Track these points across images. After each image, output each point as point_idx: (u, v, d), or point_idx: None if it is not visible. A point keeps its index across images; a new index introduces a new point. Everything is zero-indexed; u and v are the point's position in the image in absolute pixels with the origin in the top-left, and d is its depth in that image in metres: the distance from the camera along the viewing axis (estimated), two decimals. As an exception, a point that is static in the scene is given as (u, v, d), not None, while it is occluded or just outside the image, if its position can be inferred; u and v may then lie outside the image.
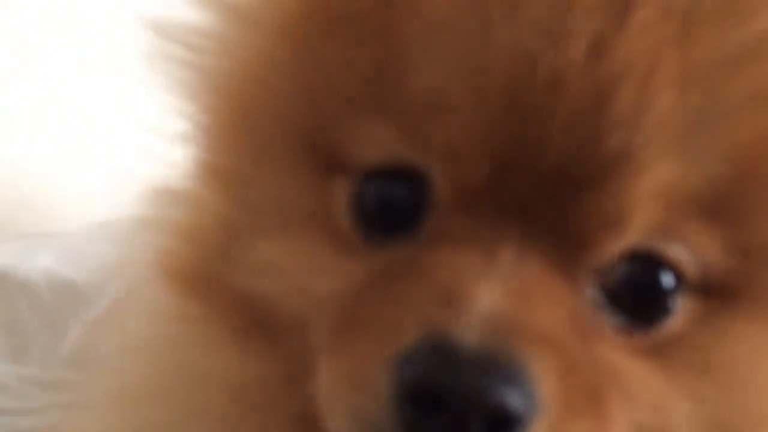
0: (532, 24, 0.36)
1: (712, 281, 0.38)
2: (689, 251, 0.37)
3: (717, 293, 0.38)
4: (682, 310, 0.38)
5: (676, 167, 0.36)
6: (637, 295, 0.38)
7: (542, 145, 0.35)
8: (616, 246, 0.37)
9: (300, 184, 0.41)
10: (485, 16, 0.37)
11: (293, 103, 0.42)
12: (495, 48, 0.36)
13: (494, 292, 0.35)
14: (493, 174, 0.36)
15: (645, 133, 0.35)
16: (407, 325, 0.34)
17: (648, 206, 0.36)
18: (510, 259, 0.36)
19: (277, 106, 0.42)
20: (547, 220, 0.36)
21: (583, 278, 0.37)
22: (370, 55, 0.39)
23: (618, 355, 0.37)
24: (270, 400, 0.42)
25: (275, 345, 0.41)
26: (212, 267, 0.43)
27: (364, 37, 0.39)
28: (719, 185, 0.36)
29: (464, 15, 0.37)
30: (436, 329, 0.34)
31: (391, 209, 0.39)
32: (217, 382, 0.43)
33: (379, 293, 0.37)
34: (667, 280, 0.38)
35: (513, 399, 0.33)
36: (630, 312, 0.38)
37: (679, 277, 0.38)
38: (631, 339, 0.38)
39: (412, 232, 0.39)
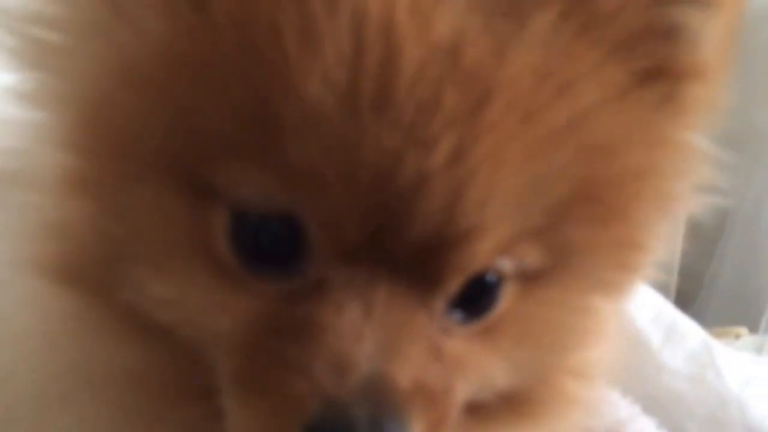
0: (399, 125, 0.40)
1: (528, 272, 0.47)
2: (513, 260, 0.46)
3: (532, 278, 0.47)
4: (505, 297, 0.47)
5: (512, 226, 0.44)
6: (472, 298, 0.46)
7: (407, 226, 0.41)
8: (463, 278, 0.45)
9: (172, 208, 0.43)
10: (356, 112, 0.40)
11: (156, 132, 0.43)
12: (365, 143, 0.40)
13: (373, 351, 0.41)
14: (366, 238, 0.42)
15: (490, 213, 0.42)
16: (306, 396, 0.41)
17: (488, 253, 0.44)
18: (382, 305, 0.42)
19: (138, 131, 0.43)
20: (411, 270, 0.43)
21: (437, 301, 0.45)
22: (247, 107, 0.41)
23: (461, 344, 0.46)
24: (171, 389, 0.47)
25: (178, 351, 0.46)
26: (96, 274, 0.46)
27: (242, 91, 0.41)
28: (541, 223, 0.45)
29: (337, 106, 0.40)
30: (331, 401, 0.40)
31: (270, 248, 0.43)
32: (119, 373, 0.47)
33: (273, 351, 0.42)
34: (492, 282, 0.46)
35: None
36: (468, 310, 0.46)
37: (501, 277, 0.46)
38: (471, 328, 0.46)
39: (292, 270, 0.43)
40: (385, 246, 0.42)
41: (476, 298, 0.46)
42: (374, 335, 0.42)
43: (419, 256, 0.43)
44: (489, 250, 0.43)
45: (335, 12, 0.40)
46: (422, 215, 0.41)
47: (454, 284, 0.45)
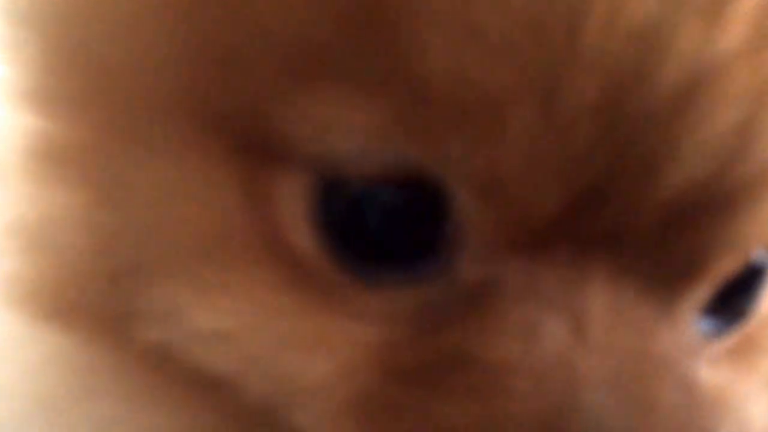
0: None
1: None
2: None
3: None
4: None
5: None
6: (730, 293, 0.28)
7: (659, 168, 0.23)
8: (735, 264, 0.26)
9: (212, 185, 0.26)
10: None
11: (178, 57, 0.26)
12: (589, 15, 0.22)
13: (600, 398, 0.24)
14: (568, 208, 0.24)
15: None
16: None
17: None
18: (603, 321, 0.24)
19: (146, 61, 0.26)
20: (649, 259, 0.25)
21: (684, 310, 0.26)
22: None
23: (718, 371, 0.28)
24: None
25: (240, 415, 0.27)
26: (99, 302, 0.28)
27: None
28: None
29: None
30: None
31: (389, 236, 0.25)
32: None
33: (412, 411, 0.25)
34: (759, 265, 0.28)
35: None
36: (724, 314, 0.28)
37: None
38: (725, 343, 0.29)
39: (431, 270, 0.25)
40: (606, 220, 0.24)
41: (733, 295, 0.28)
42: (597, 373, 0.24)
43: (670, 232, 0.24)
44: None
45: None
46: (691, 153, 0.23)
47: (720, 277, 0.26)
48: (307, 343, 0.26)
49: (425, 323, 0.25)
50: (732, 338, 0.29)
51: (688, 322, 0.26)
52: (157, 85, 0.26)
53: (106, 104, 0.26)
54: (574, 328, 0.24)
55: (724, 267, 0.26)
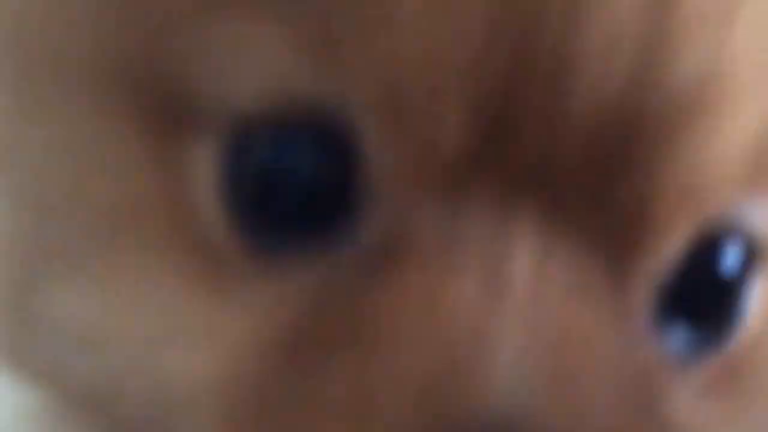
0: None
1: None
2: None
3: None
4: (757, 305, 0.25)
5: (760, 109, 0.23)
6: (698, 300, 0.24)
7: (562, 94, 0.21)
8: (689, 221, 0.23)
9: (114, 146, 0.24)
10: None
11: (91, 21, 0.24)
12: None
13: (510, 369, 0.21)
14: (476, 131, 0.22)
15: (728, 61, 0.22)
16: None
17: (732, 168, 0.23)
18: (530, 278, 0.22)
19: (68, 33, 0.24)
20: (579, 207, 0.22)
21: (637, 289, 0.23)
22: None
23: (685, 401, 0.24)
24: None
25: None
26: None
27: None
28: None
29: None
30: None
31: (300, 196, 0.23)
32: None
33: (309, 379, 0.22)
34: (735, 261, 0.25)
35: None
36: (696, 327, 0.24)
37: (752, 253, 0.25)
38: (698, 370, 0.25)
39: (344, 232, 0.23)
40: (520, 155, 0.21)
41: (707, 299, 0.25)
42: (513, 339, 0.21)
43: (593, 175, 0.21)
44: (734, 161, 0.22)
45: None
46: (597, 59, 0.21)
47: (673, 240, 0.23)
48: (191, 338, 0.23)
49: (326, 302, 0.23)
50: (712, 366, 0.25)
51: (642, 309, 0.23)
52: (63, 38, 0.24)
53: (5, 64, 0.25)
54: (490, 294, 0.21)
55: (676, 226, 0.22)
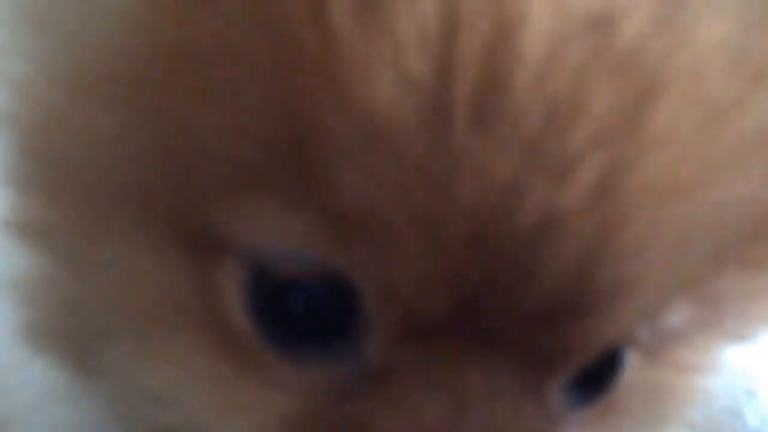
0: (515, 143, 0.26)
1: (665, 332, 0.34)
2: (654, 325, 0.33)
3: (663, 338, 0.34)
4: (629, 366, 0.35)
5: (670, 279, 0.31)
6: (599, 378, 0.34)
7: (520, 290, 0.28)
8: (594, 353, 0.32)
9: (160, 267, 0.31)
10: (446, 124, 0.26)
11: (131, 162, 0.30)
12: (459, 171, 0.27)
13: None
14: (451, 313, 0.29)
15: (647, 265, 0.29)
16: None
17: (635, 318, 0.31)
18: (480, 401, 0.30)
19: (103, 162, 0.30)
20: (518, 349, 0.30)
21: (550, 388, 0.32)
22: (264, 123, 0.28)
23: None
24: None
25: None
26: (69, 347, 0.33)
27: (258, 100, 0.28)
28: (705, 270, 0.32)
29: (415, 117, 0.26)
30: None
31: (308, 322, 0.30)
32: None
33: None
34: (623, 350, 0.34)
35: None
36: (589, 389, 0.34)
37: (635, 345, 0.34)
38: (588, 411, 0.34)
39: (342, 353, 0.30)
40: (482, 322, 0.29)
41: (601, 374, 0.33)
42: None
43: (533, 334, 0.29)
44: (633, 316, 0.30)
45: None
46: (545, 276, 0.28)
47: (582, 362, 0.31)
48: (230, 407, 0.30)
49: (333, 396, 0.30)
50: (599, 405, 0.34)
51: (554, 398, 0.32)
52: (110, 178, 0.30)
53: (71, 193, 0.31)
54: (456, 406, 0.29)
55: (580, 360, 0.31)
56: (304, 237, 0.28)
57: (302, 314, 0.30)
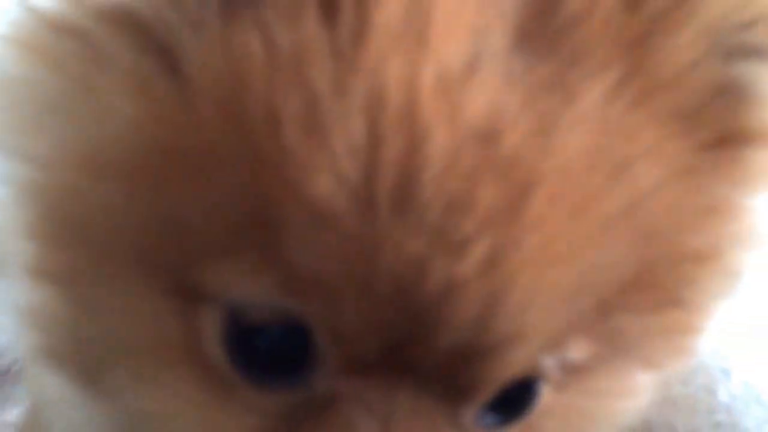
0: (423, 228, 0.34)
1: (573, 364, 0.41)
2: (557, 356, 0.40)
3: (574, 369, 0.41)
4: (545, 392, 0.41)
5: (557, 325, 0.38)
6: (510, 400, 0.40)
7: (433, 339, 0.36)
8: (498, 386, 0.39)
9: (154, 309, 0.38)
10: (372, 212, 0.34)
11: (128, 227, 0.37)
12: (382, 248, 0.34)
13: None
14: (384, 352, 0.36)
15: (532, 318, 0.36)
16: None
17: (529, 358, 0.38)
18: (404, 423, 0.37)
19: (107, 226, 0.37)
20: (437, 383, 0.37)
21: (467, 411, 0.39)
22: (240, 204, 0.35)
23: None
24: None
25: None
26: (78, 368, 0.41)
27: (232, 186, 0.35)
28: (591, 316, 0.39)
29: (348, 206, 0.34)
30: None
31: (271, 357, 0.37)
32: None
33: None
34: (532, 381, 0.41)
35: None
36: (505, 413, 0.41)
37: (542, 374, 0.40)
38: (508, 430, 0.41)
39: (298, 382, 0.37)
40: (406, 359, 0.36)
41: (514, 401, 0.40)
42: None
43: (447, 369, 0.36)
44: (530, 355, 0.37)
45: (346, 93, 0.33)
46: (451, 328, 0.35)
47: (489, 393, 0.39)
48: (208, 427, 0.38)
49: (290, 417, 0.37)
50: (517, 427, 0.41)
51: (471, 421, 0.39)
52: (113, 238, 0.37)
53: (78, 247, 0.38)
54: (384, 425, 0.37)
55: (488, 390, 0.38)
56: (268, 292, 0.35)
57: (267, 351, 0.37)
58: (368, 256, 0.34)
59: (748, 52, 0.39)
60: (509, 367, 0.37)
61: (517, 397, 0.40)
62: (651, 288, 0.40)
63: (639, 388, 0.46)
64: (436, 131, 0.33)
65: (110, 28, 0.36)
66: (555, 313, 0.37)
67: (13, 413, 0.64)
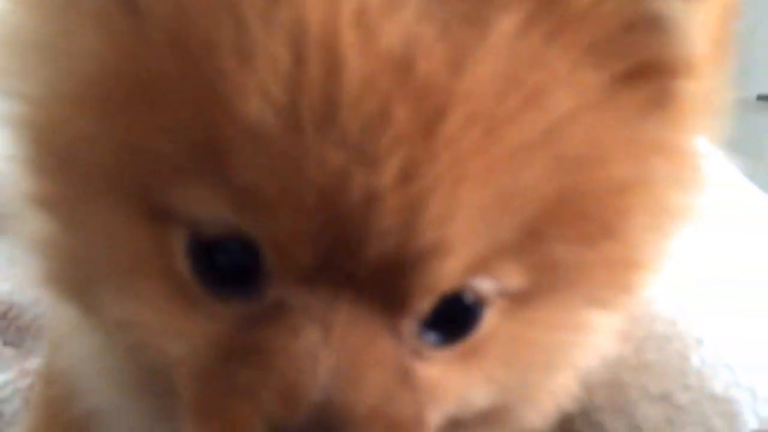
0: (344, 143, 0.37)
1: (513, 292, 0.44)
2: (492, 280, 0.43)
3: (518, 298, 0.44)
4: (489, 318, 0.44)
5: (481, 243, 0.41)
6: (449, 319, 0.43)
7: (361, 247, 0.39)
8: (432, 298, 0.42)
9: (131, 229, 0.42)
10: (298, 129, 0.37)
11: (103, 154, 0.41)
12: (308, 162, 0.38)
13: (327, 377, 0.40)
14: (320, 261, 0.40)
15: (453, 231, 0.39)
16: (252, 423, 0.40)
17: (457, 272, 0.41)
18: (342, 329, 0.40)
19: (85, 154, 0.42)
20: (374, 292, 0.41)
21: (405, 322, 0.42)
22: (191, 128, 0.39)
23: (437, 368, 0.44)
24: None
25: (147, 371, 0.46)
26: (78, 291, 0.46)
27: (184, 112, 0.39)
28: (518, 241, 0.42)
29: (277, 124, 0.37)
30: (276, 430, 0.40)
31: (228, 270, 0.42)
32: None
33: (226, 378, 0.42)
34: (470, 302, 0.43)
35: None
36: (445, 332, 0.44)
37: (482, 299, 0.43)
38: (450, 350, 0.44)
39: (251, 292, 0.42)
40: (342, 268, 0.40)
41: (454, 320, 0.43)
42: (330, 360, 0.40)
43: (380, 277, 0.40)
44: (457, 268, 0.41)
45: (272, 23, 0.38)
46: (375, 235, 0.39)
47: (424, 305, 0.42)
48: (177, 332, 0.43)
49: (244, 325, 0.42)
50: (460, 347, 0.44)
51: (410, 334, 0.42)
52: (92, 166, 0.42)
53: (66, 175, 0.44)
54: (323, 332, 0.40)
55: (424, 299, 0.41)
56: (220, 210, 0.40)
57: (224, 265, 0.42)
58: (297, 171, 0.38)
59: None
60: (438, 278, 0.41)
61: (456, 318, 0.44)
62: (581, 219, 0.43)
63: (589, 325, 0.48)
64: (353, 58, 0.38)
65: None
66: (476, 229, 0.40)
67: (34, 362, 0.70)
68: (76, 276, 0.46)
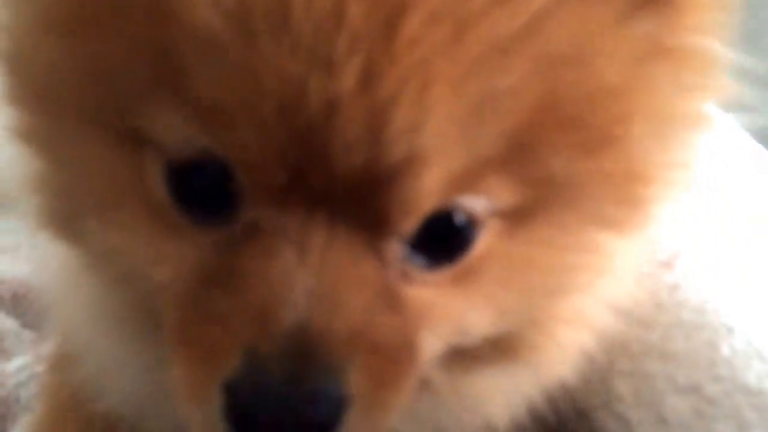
0: (298, 48, 0.35)
1: (508, 210, 0.41)
2: (483, 197, 0.40)
3: (516, 216, 0.41)
4: (483, 238, 0.41)
5: (462, 154, 0.38)
6: (438, 240, 0.41)
7: (327, 160, 0.37)
8: (414, 217, 0.40)
9: (110, 158, 0.42)
10: (250, 36, 0.36)
11: (74, 81, 0.41)
12: (263, 70, 0.36)
13: (303, 299, 0.38)
14: (290, 177, 0.38)
15: (425, 139, 0.37)
16: (228, 350, 0.39)
17: (438, 187, 0.38)
18: (319, 250, 0.39)
19: (57, 82, 0.41)
20: (351, 210, 0.39)
21: (389, 244, 0.40)
22: (150, 46, 0.38)
23: (427, 291, 0.41)
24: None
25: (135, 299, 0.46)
26: (67, 225, 0.46)
27: (140, 29, 0.38)
28: (505, 152, 0.39)
29: (228, 31, 0.36)
30: (251, 356, 0.38)
31: (204, 194, 0.40)
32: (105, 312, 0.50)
33: (204, 302, 0.40)
34: (461, 222, 0.41)
35: (320, 413, 0.38)
36: (434, 254, 0.41)
37: (473, 218, 0.41)
38: (442, 273, 0.41)
39: (226, 216, 0.40)
40: (313, 185, 0.38)
41: (445, 241, 0.41)
42: (307, 282, 0.38)
43: (355, 195, 0.38)
44: (436, 184, 0.38)
45: None
46: (341, 148, 0.37)
47: (407, 226, 0.40)
48: (159, 259, 0.42)
49: (222, 248, 0.40)
50: (453, 270, 0.41)
51: (394, 256, 0.40)
52: (66, 94, 0.42)
53: (43, 106, 0.43)
54: (299, 254, 0.38)
55: (407, 218, 0.39)
56: (187, 130, 0.39)
57: (199, 189, 0.40)
58: (251, 78, 0.36)
59: None
60: (417, 196, 0.38)
61: (447, 239, 0.41)
62: (573, 126, 0.40)
63: (598, 247, 0.45)
64: None
65: None
66: (452, 140, 0.37)
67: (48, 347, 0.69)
68: (64, 210, 0.45)
